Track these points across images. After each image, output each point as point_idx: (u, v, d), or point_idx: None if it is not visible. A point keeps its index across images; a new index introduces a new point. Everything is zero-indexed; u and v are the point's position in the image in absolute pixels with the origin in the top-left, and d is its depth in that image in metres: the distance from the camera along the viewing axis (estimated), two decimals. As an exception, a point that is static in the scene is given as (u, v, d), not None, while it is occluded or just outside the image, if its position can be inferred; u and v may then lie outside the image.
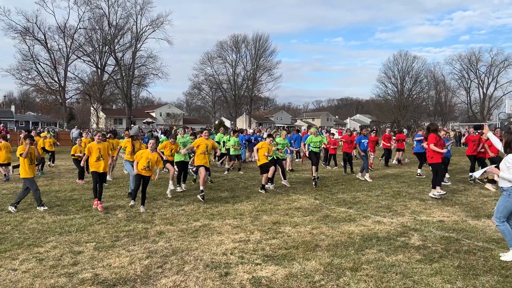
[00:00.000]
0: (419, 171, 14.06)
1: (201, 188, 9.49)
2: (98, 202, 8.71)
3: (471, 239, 6.29)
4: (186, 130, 13.96)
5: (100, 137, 9.02)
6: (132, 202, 8.72)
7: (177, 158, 10.87)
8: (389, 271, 4.96)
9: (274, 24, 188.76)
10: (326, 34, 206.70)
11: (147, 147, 8.92)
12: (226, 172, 14.84)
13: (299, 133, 17.94)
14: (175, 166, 10.98)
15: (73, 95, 58.36)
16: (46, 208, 8.56)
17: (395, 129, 30.25)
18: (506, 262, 5.24)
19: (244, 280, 4.74)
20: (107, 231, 6.88)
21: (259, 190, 10.57)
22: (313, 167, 12.01)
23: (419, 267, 5.09)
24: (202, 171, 9.55)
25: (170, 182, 10.54)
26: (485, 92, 75.79)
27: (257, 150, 10.75)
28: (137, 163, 8.61)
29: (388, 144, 17.71)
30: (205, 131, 10.26)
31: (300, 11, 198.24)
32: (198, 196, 9.44)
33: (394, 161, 18.55)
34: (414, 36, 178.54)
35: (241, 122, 77.69)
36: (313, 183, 11.71)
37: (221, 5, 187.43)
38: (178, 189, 10.87)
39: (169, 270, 5.10)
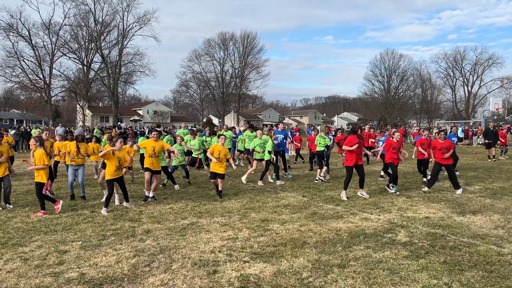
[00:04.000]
0: (382, 173, 13.33)
1: (146, 193, 9.30)
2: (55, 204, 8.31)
3: (457, 235, 6.37)
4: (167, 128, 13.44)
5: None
6: (104, 211, 8.02)
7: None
8: (376, 268, 5.00)
9: (266, 22, 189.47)
10: (316, 33, 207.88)
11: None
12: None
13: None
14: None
15: (58, 93, 57.52)
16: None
17: (382, 128, 30.49)
18: (491, 258, 5.32)
19: (232, 278, 4.74)
20: (93, 230, 6.81)
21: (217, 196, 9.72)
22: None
23: (406, 263, 5.14)
24: (146, 175, 9.28)
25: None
26: (470, 90, 77.05)
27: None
28: (103, 163, 8.35)
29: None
30: (153, 133, 9.53)
31: (290, 10, 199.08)
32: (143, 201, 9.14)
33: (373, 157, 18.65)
34: (403, 35, 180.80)
35: (229, 120, 77.53)
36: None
37: (211, 3, 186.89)
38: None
39: (156, 268, 5.07)
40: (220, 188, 9.68)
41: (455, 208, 8.33)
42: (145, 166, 9.46)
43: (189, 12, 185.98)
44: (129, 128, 35.54)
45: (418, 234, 6.46)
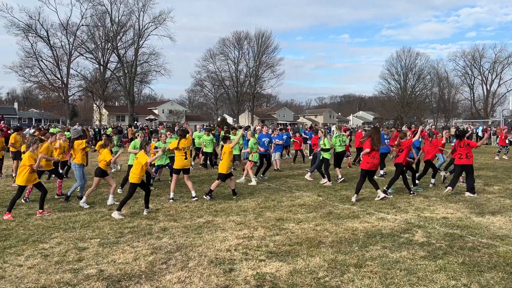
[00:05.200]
0: (381, 172, 13.05)
1: (171, 195, 9.26)
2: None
3: (475, 236, 6.28)
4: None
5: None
6: (118, 215, 7.62)
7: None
8: (393, 268, 4.96)
9: (280, 22, 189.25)
10: (332, 31, 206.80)
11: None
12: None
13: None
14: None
15: (75, 92, 58.54)
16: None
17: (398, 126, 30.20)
18: (511, 259, 5.23)
19: (248, 276, 4.76)
20: (111, 228, 6.91)
21: (204, 196, 9.46)
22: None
23: (423, 264, 5.09)
24: (175, 177, 9.35)
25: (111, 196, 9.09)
26: (488, 88, 75.56)
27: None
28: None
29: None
30: (169, 133, 9.62)
31: (305, 9, 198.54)
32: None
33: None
34: (420, 33, 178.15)
35: (244, 119, 77.64)
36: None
37: (226, 3, 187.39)
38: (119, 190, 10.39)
39: (173, 266, 5.12)
40: (232, 187, 9.79)
41: (473, 209, 8.20)
42: (177, 167, 9.21)
43: (203, 12, 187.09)
44: (145, 127, 35.86)
45: (435, 234, 6.38)
